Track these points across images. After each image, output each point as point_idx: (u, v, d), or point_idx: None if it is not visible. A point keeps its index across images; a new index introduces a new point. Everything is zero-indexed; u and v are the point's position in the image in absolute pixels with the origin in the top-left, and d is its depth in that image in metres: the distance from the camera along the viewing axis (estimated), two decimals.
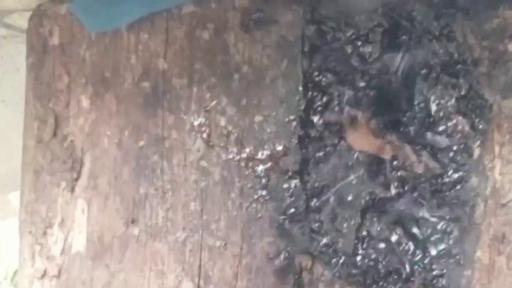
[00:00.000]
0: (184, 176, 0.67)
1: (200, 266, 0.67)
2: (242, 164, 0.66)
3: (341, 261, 0.67)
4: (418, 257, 0.67)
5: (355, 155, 0.67)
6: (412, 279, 0.66)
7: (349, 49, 0.66)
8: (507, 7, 0.66)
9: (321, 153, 0.67)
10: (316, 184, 0.67)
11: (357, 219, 0.67)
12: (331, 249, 0.66)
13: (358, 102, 0.67)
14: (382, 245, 0.67)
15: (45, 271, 0.72)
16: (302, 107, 0.66)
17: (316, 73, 0.66)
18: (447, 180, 0.65)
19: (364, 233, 0.67)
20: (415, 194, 0.67)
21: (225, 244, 0.67)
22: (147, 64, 0.69)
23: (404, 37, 0.66)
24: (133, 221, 0.68)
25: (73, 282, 0.71)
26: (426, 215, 0.67)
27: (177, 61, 0.67)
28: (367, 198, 0.66)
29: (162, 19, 0.68)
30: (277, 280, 0.66)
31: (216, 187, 0.67)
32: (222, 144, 0.67)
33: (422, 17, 0.66)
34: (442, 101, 0.66)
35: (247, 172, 0.66)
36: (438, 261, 0.66)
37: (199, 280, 0.66)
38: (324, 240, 0.66)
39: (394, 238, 0.67)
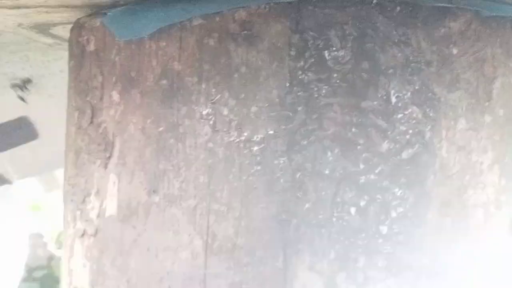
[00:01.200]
0: (195, 155, 0.68)
1: (208, 226, 0.68)
2: (241, 145, 0.67)
3: (320, 222, 0.68)
4: (381, 218, 0.68)
5: (331, 138, 0.68)
6: (376, 235, 0.67)
7: (326, 54, 0.67)
8: (451, 18, 0.67)
9: (303, 136, 0.67)
10: (300, 161, 0.67)
11: (332, 189, 0.67)
12: (312, 213, 0.67)
13: (333, 95, 0.67)
14: (353, 210, 0.67)
15: (84, 231, 0.73)
16: (289, 100, 0.66)
17: (300, 72, 0.67)
18: (405, 157, 0.66)
19: (338, 199, 0.68)
20: (379, 168, 0.68)
21: (227, 209, 0.67)
22: (165, 66, 0.69)
23: (369, 44, 0.67)
24: (154, 191, 0.69)
25: (107, 239, 0.71)
26: (387, 184, 0.68)
27: (189, 63, 0.68)
28: (341, 171, 0.67)
29: (176, 30, 0.68)
30: (269, 237, 0.67)
31: (220, 164, 0.67)
32: (225, 129, 0.67)
33: (384, 27, 0.67)
34: (400, 94, 0.66)
35: (245, 152, 0.67)
36: (397, 221, 0.67)
37: (207, 238, 0.67)
38: (307, 205, 0.67)
39: (362, 203, 0.67)
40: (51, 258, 4.18)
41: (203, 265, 0.68)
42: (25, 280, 2.97)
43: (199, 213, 0.68)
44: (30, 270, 3.34)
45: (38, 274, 3.95)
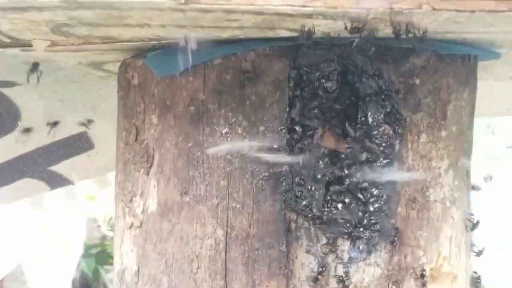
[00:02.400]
0: (216, 164, 0.69)
1: (227, 219, 0.69)
2: (253, 156, 0.68)
3: (314, 215, 0.69)
4: (361, 212, 0.69)
5: (322, 150, 0.69)
6: (358, 225, 0.68)
7: (317, 84, 0.68)
8: (415, 56, 0.68)
9: (300, 149, 0.69)
10: (298, 168, 0.69)
11: (323, 189, 0.69)
12: (308, 208, 0.68)
13: (324, 118, 0.69)
14: (339, 205, 0.69)
15: (132, 224, 0.74)
16: (289, 121, 0.68)
17: (297, 99, 0.68)
18: (379, 164, 0.68)
19: (328, 198, 0.69)
20: (359, 173, 0.69)
21: (242, 206, 0.68)
22: (192, 96, 0.70)
23: (350, 76, 0.68)
24: (185, 193, 0.70)
25: (149, 230, 0.72)
26: (366, 186, 0.69)
27: (211, 93, 0.69)
28: (330, 176, 0.69)
29: (201, 67, 0.69)
30: (275, 228, 0.68)
31: (236, 171, 0.68)
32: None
33: (362, 64, 0.68)
34: (375, 116, 0.68)
35: (255, 161, 0.68)
36: (374, 214, 0.68)
37: (227, 228, 0.68)
38: (304, 202, 0.68)
39: (347, 200, 0.69)
40: (104, 238, 4.19)
41: (224, 249, 0.70)
42: (84, 256, 2.98)
43: (220, 209, 0.70)
44: (87, 248, 3.35)
45: (94, 251, 3.96)
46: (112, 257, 3.25)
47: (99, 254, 4.11)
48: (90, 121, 1.12)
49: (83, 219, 2.61)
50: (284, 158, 0.68)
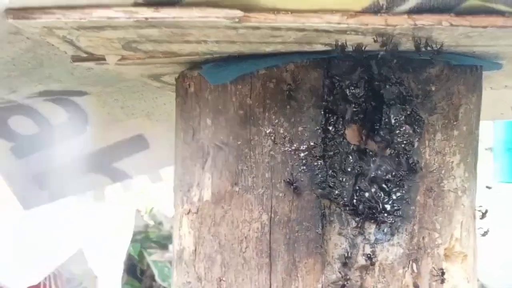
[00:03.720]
0: (262, 159, 0.68)
1: (271, 206, 0.69)
2: (292, 153, 0.68)
3: (345, 203, 0.69)
4: (385, 200, 0.68)
5: (351, 147, 0.68)
6: (383, 211, 0.68)
7: (347, 91, 0.68)
8: (431, 67, 0.67)
9: (333, 146, 0.68)
10: (331, 163, 0.68)
11: (352, 180, 0.68)
12: (339, 197, 0.68)
13: (353, 119, 0.68)
14: (366, 194, 0.68)
15: (189, 210, 0.74)
16: (323, 122, 0.67)
17: (330, 104, 0.68)
18: (401, 159, 0.67)
19: (357, 188, 0.69)
20: (384, 167, 0.69)
21: (284, 195, 0.68)
22: (241, 101, 0.70)
23: (376, 83, 0.68)
24: (235, 184, 0.70)
25: (204, 215, 0.72)
26: (390, 177, 0.68)
27: (257, 99, 0.69)
28: (358, 169, 0.68)
29: (248, 77, 0.69)
30: (311, 213, 0.67)
31: (279, 165, 0.68)
32: (281, 142, 0.68)
33: (386, 73, 0.67)
34: (397, 118, 0.67)
35: (295, 157, 0.68)
36: (396, 202, 0.68)
37: (271, 214, 0.68)
38: (336, 192, 0.67)
39: (373, 190, 0.68)
40: (146, 226, 4.21)
41: (268, 232, 0.69)
42: (131, 241, 3.00)
43: (265, 197, 0.70)
44: (134, 234, 3.36)
45: (139, 237, 3.98)
46: (153, 241, 3.27)
47: (143, 240, 4.13)
48: (146, 125, 1.12)
49: (132, 210, 2.63)
50: (319, 153, 0.68)
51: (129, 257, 3.76)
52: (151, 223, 4.31)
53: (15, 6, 0.58)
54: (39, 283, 2.08)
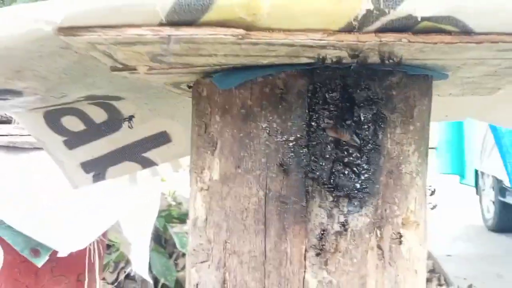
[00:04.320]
0: (259, 148, 0.68)
1: (266, 185, 0.69)
2: (283, 143, 0.67)
3: (324, 182, 0.68)
4: (356, 180, 0.68)
5: (329, 138, 0.68)
6: (354, 189, 0.67)
7: (326, 95, 0.67)
8: (392, 75, 0.67)
9: (315, 138, 0.68)
10: (313, 150, 0.67)
11: (330, 164, 0.67)
12: (320, 177, 0.67)
13: (331, 116, 0.67)
14: (341, 175, 0.67)
15: (202, 188, 0.73)
16: (308, 119, 0.66)
17: (313, 105, 0.67)
18: (368, 147, 0.66)
19: (333, 170, 0.68)
20: (355, 154, 0.68)
21: (276, 175, 0.68)
22: (243, 102, 0.69)
23: (350, 89, 0.67)
24: (238, 167, 0.69)
25: (213, 192, 0.72)
26: (359, 162, 0.67)
27: (255, 101, 0.68)
28: (335, 155, 0.67)
29: (248, 83, 0.69)
30: (298, 190, 0.66)
31: (272, 152, 0.68)
32: (274, 135, 0.68)
33: (357, 80, 0.67)
34: (365, 116, 0.66)
35: (285, 146, 0.67)
36: (365, 182, 0.67)
37: (266, 191, 0.68)
38: (317, 173, 0.67)
39: (346, 172, 0.67)
40: (169, 205, 4.21)
41: (264, 204, 0.69)
42: (157, 217, 2.98)
43: (261, 178, 0.69)
44: (159, 212, 3.35)
45: (163, 213, 3.97)
46: (175, 218, 3.26)
47: (167, 216, 4.14)
48: (168, 123, 1.12)
49: (158, 192, 2.62)
50: (304, 143, 0.68)
51: (156, 230, 3.76)
52: (173, 203, 4.33)
53: (65, 26, 0.58)
54: (86, 248, 2.07)
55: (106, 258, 3.72)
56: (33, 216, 1.97)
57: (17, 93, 0.78)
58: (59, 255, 1.98)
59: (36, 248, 1.98)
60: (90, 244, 2.12)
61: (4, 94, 0.77)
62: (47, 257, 2.00)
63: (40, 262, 2.01)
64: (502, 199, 5.67)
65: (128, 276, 4.07)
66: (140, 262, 2.44)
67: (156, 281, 3.98)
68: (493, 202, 6.01)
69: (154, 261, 3.88)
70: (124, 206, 2.09)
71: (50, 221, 1.94)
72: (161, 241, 4.25)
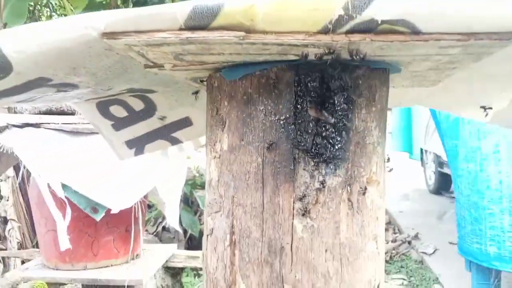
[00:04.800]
0: (257, 125, 0.66)
1: (263, 153, 0.66)
2: (276, 121, 0.65)
3: (308, 151, 0.66)
4: (331, 149, 0.65)
5: (311, 117, 0.65)
6: (330, 156, 0.64)
7: (309, 84, 0.65)
8: (358, 68, 0.64)
9: (300, 117, 0.65)
10: (299, 127, 0.65)
11: (312, 137, 0.65)
12: (304, 147, 0.65)
13: (312, 100, 0.65)
14: (320, 146, 0.65)
15: (215, 156, 0.71)
16: (294, 103, 0.64)
17: (299, 92, 0.65)
18: (341, 124, 0.64)
19: (314, 142, 0.66)
20: (331, 129, 0.65)
21: (271, 146, 0.66)
22: (245, 90, 0.67)
23: (326, 79, 0.64)
24: (242, 140, 0.67)
25: (224, 159, 0.69)
26: (334, 135, 0.65)
27: (255, 89, 0.66)
28: (315, 130, 0.65)
29: (249, 76, 0.67)
30: (287, 157, 0.65)
31: (267, 129, 0.66)
32: (269, 115, 0.65)
33: (332, 72, 0.65)
34: (339, 100, 0.64)
35: (277, 124, 0.65)
36: (338, 150, 0.65)
37: (263, 157, 0.65)
38: (302, 144, 0.64)
39: (324, 143, 0.65)
40: (194, 176, 4.18)
41: (262, 168, 0.67)
42: (185, 184, 2.97)
43: (260, 148, 0.67)
44: (186, 181, 3.34)
45: (190, 182, 3.96)
46: (198, 185, 3.24)
47: (192, 184, 4.13)
48: (190, 110, 1.08)
49: (185, 164, 2.61)
50: (292, 121, 0.65)
51: (184, 194, 3.75)
52: (197, 174, 4.31)
53: (107, 31, 0.56)
54: (132, 206, 2.06)
55: (148, 215, 3.73)
56: (93, 182, 1.96)
57: (74, 86, 0.76)
58: (112, 212, 1.98)
59: (95, 207, 1.98)
60: (135, 204, 2.12)
61: (65, 87, 0.75)
62: (103, 213, 2.00)
63: (98, 217, 2.01)
64: (440, 169, 5.66)
65: (164, 228, 4.09)
66: (172, 217, 2.44)
67: (185, 231, 3.99)
68: (434, 172, 6.00)
69: (183, 217, 3.89)
70: (159, 175, 2.08)
71: (105, 186, 1.93)
72: (188, 202, 4.25)
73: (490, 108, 1.01)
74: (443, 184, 5.88)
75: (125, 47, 0.59)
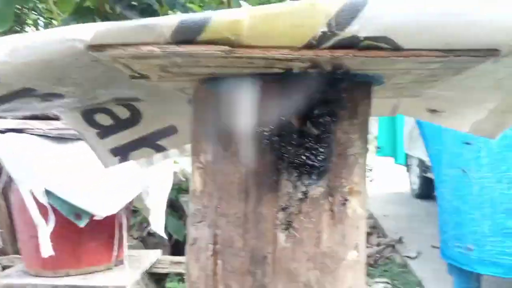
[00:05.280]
0: (242, 136, 0.66)
1: (247, 164, 0.67)
2: (261, 132, 0.66)
3: (291, 161, 0.67)
4: (314, 160, 0.67)
5: (295, 129, 0.67)
6: (313, 167, 0.66)
7: (293, 98, 0.66)
8: (342, 82, 0.66)
9: (285, 128, 0.66)
10: (283, 138, 0.66)
11: (295, 148, 0.67)
12: (288, 158, 0.66)
13: (294, 106, 0.66)
14: (303, 157, 0.66)
15: (199, 166, 0.71)
16: (279, 115, 0.65)
17: (283, 103, 0.66)
18: (324, 136, 0.65)
19: (298, 153, 0.67)
20: (313, 140, 0.67)
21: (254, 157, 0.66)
22: (230, 102, 0.68)
23: (311, 92, 0.66)
24: (226, 150, 0.68)
25: (208, 170, 0.70)
26: (317, 147, 0.66)
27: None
28: (299, 142, 0.66)
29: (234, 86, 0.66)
30: (271, 168, 0.66)
31: (252, 139, 0.66)
32: (264, 129, 0.66)
33: (314, 83, 0.66)
34: (322, 112, 0.66)
35: (261, 135, 0.66)
36: (321, 162, 0.66)
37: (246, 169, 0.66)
38: (285, 155, 0.66)
39: (307, 154, 0.67)
40: (180, 180, 4.16)
41: (245, 179, 0.68)
42: (172, 189, 2.95)
43: (244, 159, 0.68)
44: (173, 186, 3.32)
45: (176, 187, 3.94)
46: (184, 190, 3.22)
47: (178, 189, 4.10)
48: (175, 118, 1.08)
49: (171, 171, 2.60)
50: (276, 133, 0.66)
51: (170, 199, 3.72)
52: (183, 179, 4.28)
53: (94, 43, 0.56)
54: (116, 213, 2.05)
55: (133, 220, 3.70)
56: (76, 188, 1.94)
57: (60, 96, 0.76)
58: (95, 218, 1.96)
59: (79, 213, 1.96)
60: (119, 210, 2.10)
61: (50, 97, 0.75)
62: (87, 220, 1.98)
63: (82, 223, 1.99)
64: (424, 174, 5.75)
65: (149, 234, 4.05)
66: (157, 223, 2.43)
67: (170, 236, 3.96)
68: (418, 177, 6.09)
69: (169, 222, 3.86)
70: (145, 181, 2.07)
71: (89, 192, 1.91)
72: (174, 207, 4.22)
73: (436, 111, 1.06)
74: (426, 189, 5.97)
75: (111, 59, 0.59)
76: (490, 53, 0.58)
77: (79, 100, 0.82)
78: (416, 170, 6.11)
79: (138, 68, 0.63)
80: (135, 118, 1.02)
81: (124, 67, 0.63)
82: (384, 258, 4.30)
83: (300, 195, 0.67)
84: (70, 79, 0.67)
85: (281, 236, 0.67)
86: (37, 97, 0.72)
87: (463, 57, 0.59)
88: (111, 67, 0.65)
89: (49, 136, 2.00)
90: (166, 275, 2.97)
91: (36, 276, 2.22)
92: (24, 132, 1.98)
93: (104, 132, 1.05)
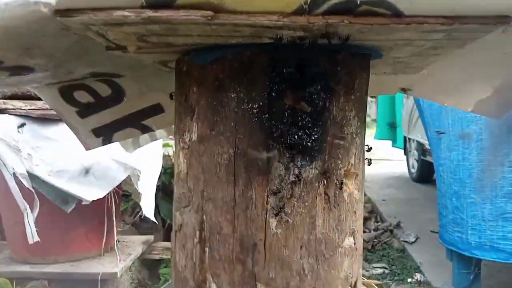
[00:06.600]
0: (229, 114, 0.63)
1: (235, 144, 0.64)
2: (249, 109, 0.62)
3: (282, 141, 0.63)
4: (308, 140, 0.63)
5: (287, 106, 0.63)
6: (306, 147, 0.62)
7: (284, 70, 0.62)
8: (338, 54, 0.61)
9: (275, 105, 0.62)
10: (275, 110, 0.62)
11: (287, 127, 0.63)
12: (279, 137, 0.62)
13: (287, 86, 0.62)
14: (296, 136, 0.63)
15: (183, 147, 0.68)
16: (269, 90, 0.61)
17: (273, 78, 0.62)
18: (320, 113, 0.61)
19: (290, 132, 0.63)
20: (307, 119, 0.63)
21: (243, 136, 0.63)
22: (216, 75, 0.65)
23: (305, 62, 0.61)
24: (212, 130, 0.64)
25: (193, 150, 0.67)
26: (311, 125, 0.63)
27: (226, 74, 0.63)
28: (291, 120, 0.62)
29: (220, 59, 0.63)
30: (261, 147, 0.62)
31: (240, 118, 0.64)
32: (241, 103, 0.62)
33: (313, 56, 0.62)
34: (316, 87, 0.61)
35: (250, 112, 0.62)
36: (315, 141, 0.63)
37: (235, 148, 0.63)
38: (276, 134, 0.62)
39: (300, 133, 0.63)
40: (173, 164, 4.13)
41: (234, 160, 0.64)
42: (163, 173, 2.92)
43: (231, 138, 0.63)
44: (166, 169, 3.29)
45: (168, 171, 3.90)
46: None
47: (171, 173, 4.06)
48: (163, 96, 1.04)
49: (159, 153, 2.56)
50: (266, 108, 0.62)
51: (163, 183, 3.69)
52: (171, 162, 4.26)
53: (60, 8, 0.51)
54: (104, 197, 2.01)
55: (125, 204, 3.67)
56: (62, 173, 1.90)
57: (29, 69, 0.71)
58: (83, 203, 1.93)
59: (65, 198, 1.93)
60: (108, 194, 2.07)
61: (19, 70, 0.70)
62: (74, 205, 1.95)
63: (68, 208, 1.95)
64: (423, 158, 5.74)
65: (142, 219, 4.03)
66: (148, 208, 2.40)
67: (163, 221, 3.95)
68: (416, 160, 6.09)
69: (162, 206, 3.83)
70: (133, 164, 2.03)
71: (75, 176, 1.87)
72: (167, 192, 4.20)
73: (410, 89, 1.02)
74: (425, 172, 5.97)
75: (81, 27, 0.54)
76: (500, 20, 0.54)
77: (53, 75, 0.77)
78: (415, 153, 6.10)
79: (113, 37, 0.58)
80: (117, 95, 0.98)
81: (97, 36, 0.58)
82: (382, 243, 4.31)
83: (292, 178, 0.63)
84: (38, 50, 0.62)
85: (273, 222, 0.63)
86: (5, 70, 0.68)
87: (470, 25, 0.54)
88: (84, 36, 0.60)
89: (31, 117, 1.94)
90: (159, 261, 2.95)
91: (24, 263, 2.19)
92: (4, 113, 1.93)
93: (85, 110, 1.00)
